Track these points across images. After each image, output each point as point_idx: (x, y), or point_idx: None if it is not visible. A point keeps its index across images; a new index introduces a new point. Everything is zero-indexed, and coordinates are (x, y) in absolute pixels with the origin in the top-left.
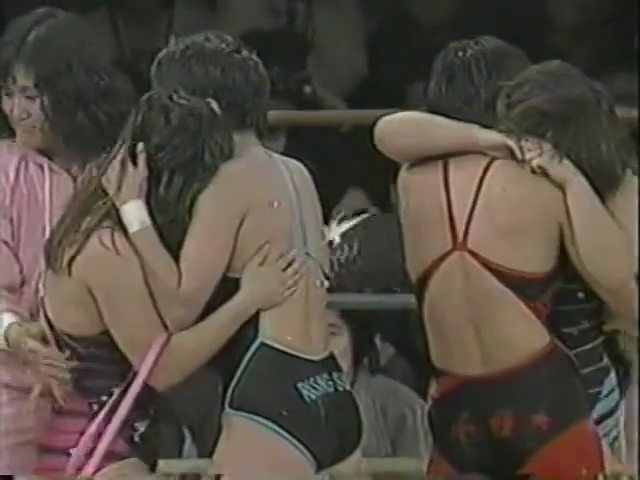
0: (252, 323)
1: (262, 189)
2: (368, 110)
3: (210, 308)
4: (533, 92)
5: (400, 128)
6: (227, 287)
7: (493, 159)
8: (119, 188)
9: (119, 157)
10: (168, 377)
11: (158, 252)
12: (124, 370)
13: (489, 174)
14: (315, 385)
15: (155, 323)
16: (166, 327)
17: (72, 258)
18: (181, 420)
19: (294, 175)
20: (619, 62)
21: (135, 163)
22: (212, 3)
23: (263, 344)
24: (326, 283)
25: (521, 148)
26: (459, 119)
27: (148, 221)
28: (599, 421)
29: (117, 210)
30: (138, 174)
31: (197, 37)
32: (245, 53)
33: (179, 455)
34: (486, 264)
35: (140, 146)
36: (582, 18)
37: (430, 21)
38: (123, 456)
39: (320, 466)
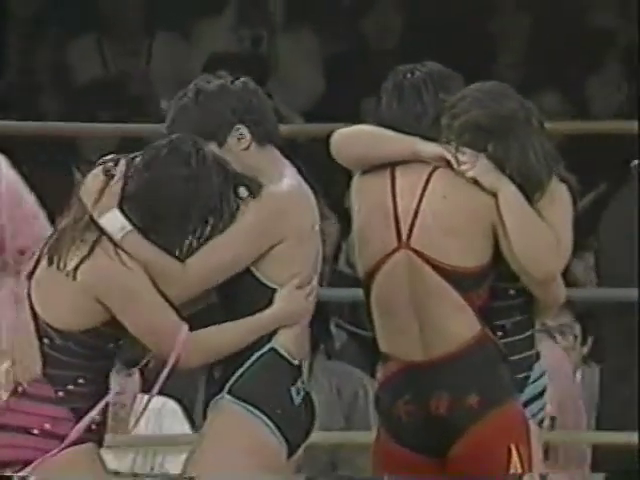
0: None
1: (307, 214)
2: (325, 124)
3: (232, 303)
4: (471, 107)
5: (353, 140)
6: (259, 290)
7: (435, 168)
8: (97, 200)
9: (99, 170)
10: (194, 361)
11: (150, 249)
12: (92, 364)
13: (431, 181)
14: (299, 388)
15: (169, 312)
16: (183, 318)
17: (78, 264)
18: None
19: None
20: (549, 83)
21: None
22: (186, 31)
23: (273, 349)
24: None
25: (457, 159)
26: (409, 133)
27: (128, 225)
28: (528, 403)
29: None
30: (117, 186)
31: (200, 81)
32: (245, 80)
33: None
34: (427, 260)
35: (122, 160)
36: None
37: (381, 46)
38: (80, 441)
39: (291, 453)
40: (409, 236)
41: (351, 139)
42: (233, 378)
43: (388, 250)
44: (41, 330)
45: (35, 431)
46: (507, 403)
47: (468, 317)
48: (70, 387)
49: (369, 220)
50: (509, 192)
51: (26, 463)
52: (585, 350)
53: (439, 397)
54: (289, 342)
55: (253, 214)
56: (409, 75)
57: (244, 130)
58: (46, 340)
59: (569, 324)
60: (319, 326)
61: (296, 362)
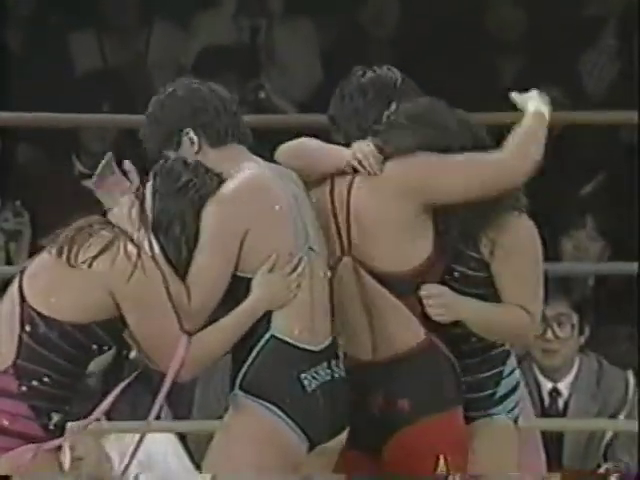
0: (265, 317)
1: (262, 199)
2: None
3: (221, 303)
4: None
5: (292, 156)
6: (238, 285)
7: (353, 179)
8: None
9: (132, 195)
10: (190, 372)
11: (170, 274)
12: (63, 364)
13: (352, 192)
14: (315, 375)
15: (175, 327)
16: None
17: (97, 255)
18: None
19: (285, 179)
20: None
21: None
22: (185, 22)
23: (273, 336)
24: (329, 273)
25: (362, 166)
26: (347, 128)
27: (157, 248)
28: (503, 398)
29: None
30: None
31: (160, 92)
32: (197, 83)
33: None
34: (364, 267)
35: (149, 187)
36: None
37: (378, 35)
38: (37, 440)
39: (313, 445)
40: (349, 244)
41: (291, 155)
42: (241, 372)
43: (336, 258)
44: (25, 317)
45: None
46: (444, 411)
47: (411, 323)
48: (34, 383)
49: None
50: (474, 315)
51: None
52: (582, 339)
53: (375, 397)
54: (290, 326)
55: (211, 220)
56: (360, 75)
57: (192, 134)
58: (28, 327)
59: (566, 313)
60: None
61: (306, 346)
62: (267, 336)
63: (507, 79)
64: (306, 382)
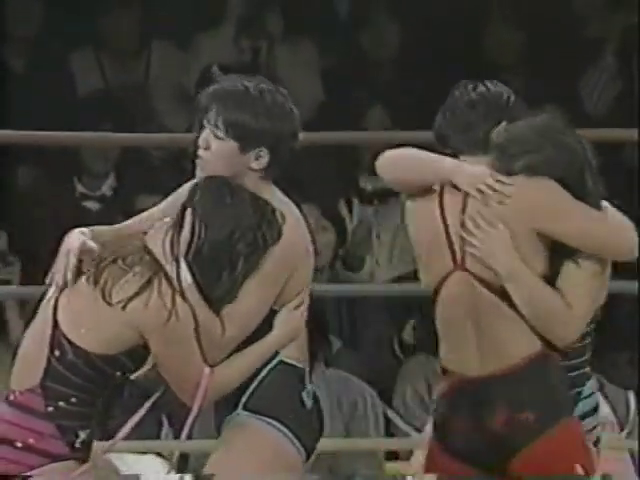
0: None
1: (306, 238)
2: (323, 132)
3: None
4: (528, 150)
5: (394, 164)
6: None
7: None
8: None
9: (170, 222)
10: (209, 400)
11: (201, 304)
12: (90, 387)
13: (468, 205)
14: (309, 391)
15: (198, 361)
16: (206, 361)
17: (132, 297)
18: (160, 409)
19: None
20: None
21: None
22: (184, 43)
23: (281, 361)
24: None
25: (485, 199)
26: (455, 143)
27: (190, 278)
28: (581, 418)
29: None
30: (185, 237)
31: None
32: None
33: (158, 438)
34: (481, 281)
35: (189, 212)
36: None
37: (378, 57)
38: (62, 458)
39: (308, 456)
40: (463, 258)
41: (393, 164)
42: (246, 394)
43: (446, 272)
44: (55, 342)
45: (18, 444)
46: (565, 421)
47: (527, 334)
48: (61, 404)
49: (425, 243)
50: (508, 268)
51: (3, 477)
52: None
53: (496, 412)
54: (294, 349)
55: (269, 258)
56: (467, 91)
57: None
58: (57, 352)
59: None
60: (317, 334)
61: (301, 365)
62: (275, 361)
63: None
64: (305, 399)
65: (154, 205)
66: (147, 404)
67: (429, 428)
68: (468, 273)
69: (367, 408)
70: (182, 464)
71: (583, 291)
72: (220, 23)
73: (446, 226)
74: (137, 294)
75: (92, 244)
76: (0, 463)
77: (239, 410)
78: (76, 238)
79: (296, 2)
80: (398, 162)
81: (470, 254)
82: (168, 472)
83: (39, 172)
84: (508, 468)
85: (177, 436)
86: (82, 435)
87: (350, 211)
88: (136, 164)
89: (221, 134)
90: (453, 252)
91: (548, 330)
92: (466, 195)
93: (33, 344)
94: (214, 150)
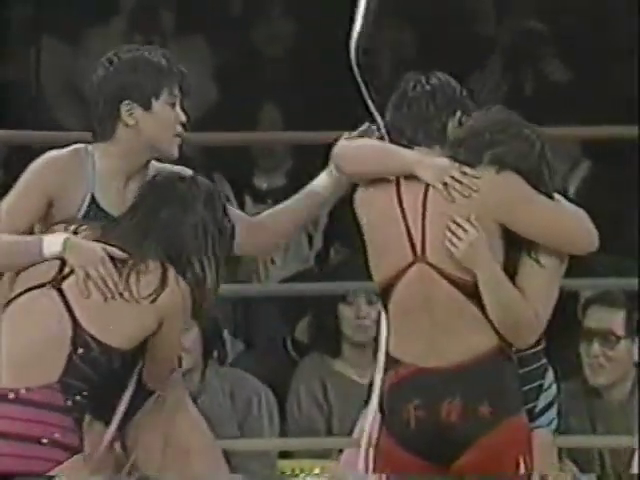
0: None
1: None
2: (214, 133)
3: None
4: (493, 144)
5: (355, 155)
6: None
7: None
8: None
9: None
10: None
11: None
12: (101, 381)
13: (429, 196)
14: None
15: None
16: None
17: (159, 291)
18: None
19: None
20: None
21: None
22: (74, 38)
23: None
24: None
25: (449, 193)
26: (414, 137)
27: None
28: (544, 410)
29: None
30: None
31: None
32: None
33: None
34: (442, 274)
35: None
36: None
37: (272, 53)
38: (78, 451)
39: None
40: (423, 250)
41: (353, 154)
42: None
43: (405, 264)
44: (79, 340)
45: (45, 440)
46: (516, 415)
47: (486, 330)
48: (77, 398)
49: (381, 233)
50: (489, 273)
51: (33, 475)
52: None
53: (451, 404)
54: None
55: None
56: (421, 83)
57: None
58: (81, 350)
59: (615, 330)
60: (211, 333)
61: None
62: None
63: None
64: None
65: None
66: (131, 381)
67: (366, 424)
68: (428, 265)
69: (261, 406)
70: None
71: (546, 293)
72: (111, 19)
73: (405, 217)
74: (161, 287)
75: (115, 250)
76: (29, 462)
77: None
78: (97, 247)
79: None
80: (358, 153)
81: (432, 246)
82: None
83: None
84: (458, 461)
85: None
86: (97, 427)
87: (242, 210)
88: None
89: None
90: (412, 244)
91: (514, 334)
92: (427, 187)
93: (48, 342)
94: None
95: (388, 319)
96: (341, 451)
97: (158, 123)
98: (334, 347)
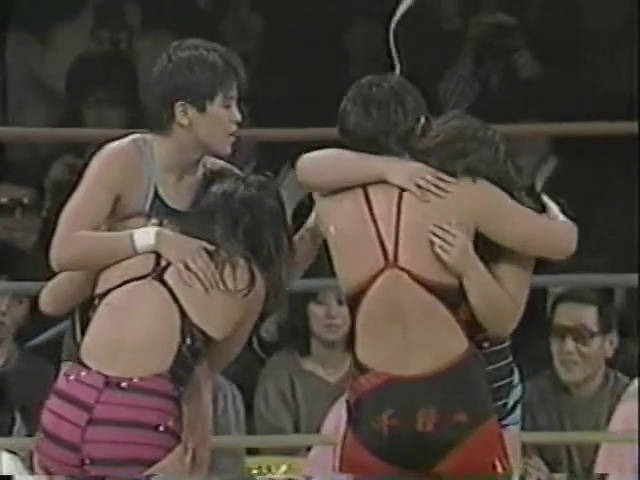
0: None
1: None
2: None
3: None
4: (466, 152)
5: (320, 166)
6: None
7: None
8: None
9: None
10: None
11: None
12: (193, 370)
13: (403, 201)
14: None
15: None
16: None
17: (250, 286)
18: (14, 404)
19: None
20: None
21: None
22: (41, 34)
23: None
24: None
25: (423, 194)
26: (378, 144)
27: None
28: (514, 407)
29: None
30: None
31: None
32: None
33: (9, 434)
34: (415, 278)
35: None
36: None
37: (242, 49)
38: (180, 440)
39: None
40: (395, 255)
41: (318, 165)
42: None
43: (375, 270)
44: (186, 331)
45: (161, 428)
46: (489, 419)
47: (457, 335)
48: (182, 388)
49: (350, 240)
50: (478, 275)
51: (148, 462)
52: (610, 354)
53: (427, 413)
54: None
55: None
56: (377, 87)
57: None
58: (188, 341)
59: (589, 325)
60: None
61: None
62: None
63: None
64: None
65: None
66: None
67: (331, 425)
68: (400, 270)
69: (227, 404)
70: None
71: (524, 284)
72: (77, 13)
73: (376, 224)
74: (253, 281)
75: (205, 243)
76: (144, 449)
77: None
78: (191, 240)
79: None
80: (323, 164)
81: (406, 251)
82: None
83: None
84: (435, 468)
85: (30, 432)
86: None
87: None
88: None
89: None
90: (384, 249)
91: (495, 325)
92: (401, 192)
93: (156, 332)
94: None
95: (356, 326)
96: (309, 449)
97: (212, 124)
98: (304, 345)
